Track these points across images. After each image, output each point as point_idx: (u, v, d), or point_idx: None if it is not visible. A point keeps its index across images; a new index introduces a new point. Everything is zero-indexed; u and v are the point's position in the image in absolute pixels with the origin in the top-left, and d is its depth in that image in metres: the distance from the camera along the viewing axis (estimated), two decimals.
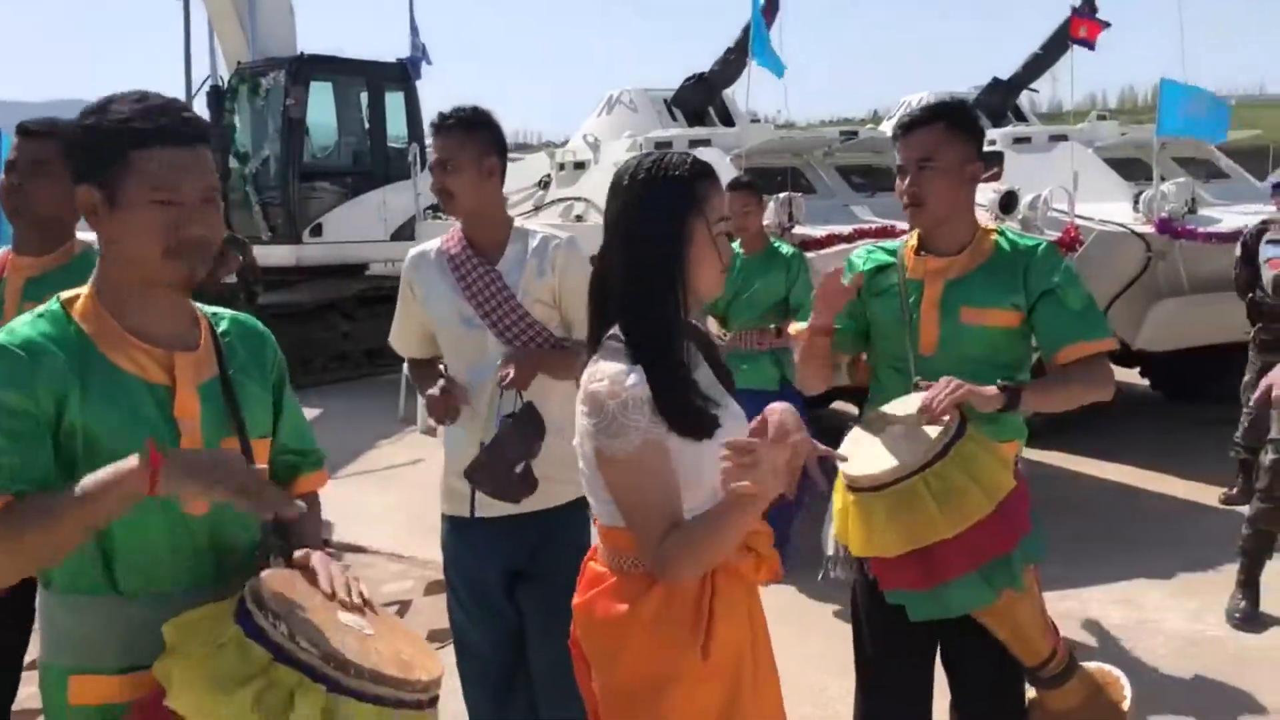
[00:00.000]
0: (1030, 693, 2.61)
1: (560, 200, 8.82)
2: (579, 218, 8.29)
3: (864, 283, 2.73)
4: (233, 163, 12.27)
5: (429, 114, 3.00)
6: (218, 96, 12.60)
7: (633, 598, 1.89)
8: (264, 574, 1.65)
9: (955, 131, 2.59)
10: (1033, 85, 11.11)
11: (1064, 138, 8.36)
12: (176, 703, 1.52)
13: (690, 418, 1.85)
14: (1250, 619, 4.67)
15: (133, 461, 1.53)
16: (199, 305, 1.87)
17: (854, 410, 7.54)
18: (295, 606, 1.60)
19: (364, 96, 12.73)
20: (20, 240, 3.00)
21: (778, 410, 1.76)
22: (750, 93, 9.46)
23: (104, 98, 1.72)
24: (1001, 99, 10.86)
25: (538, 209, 8.92)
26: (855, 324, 2.75)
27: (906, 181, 2.59)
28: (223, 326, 1.88)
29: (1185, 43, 8.00)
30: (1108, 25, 9.59)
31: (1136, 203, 7.02)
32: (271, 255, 11.00)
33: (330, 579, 1.72)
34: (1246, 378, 5.82)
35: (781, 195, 6.50)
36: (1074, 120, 10.28)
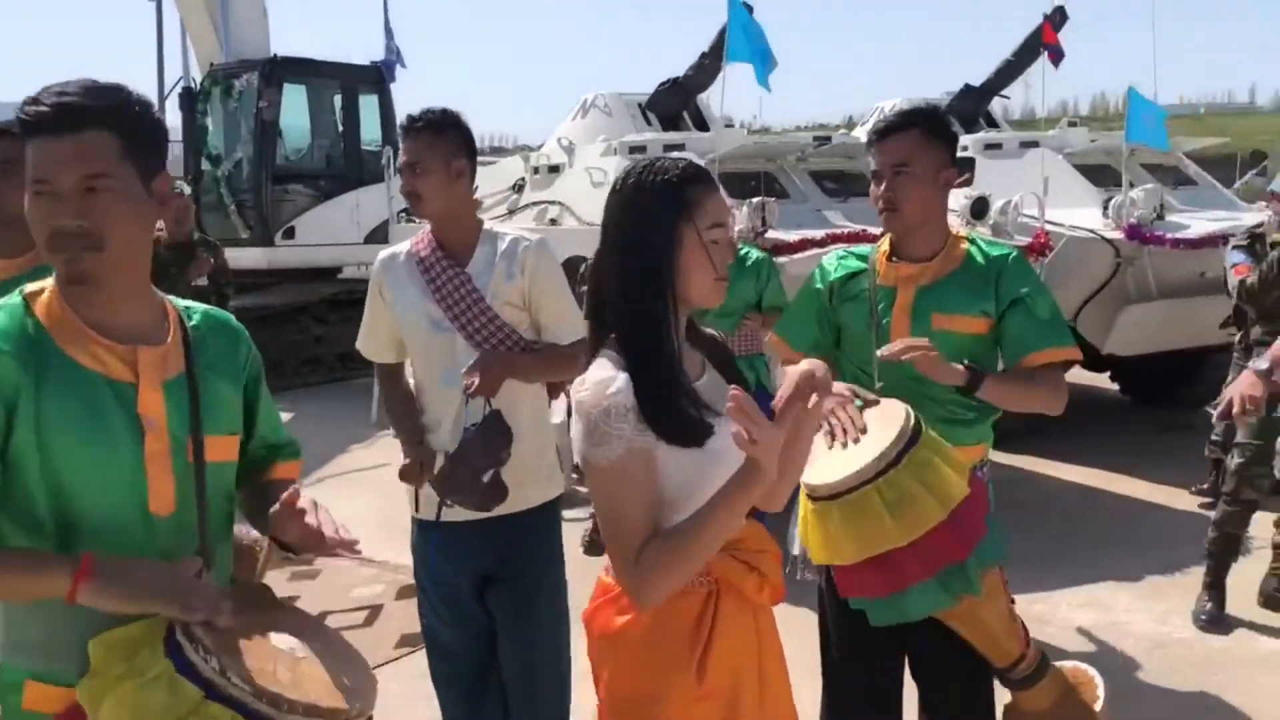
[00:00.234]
0: (1005, 695, 2.63)
1: (534, 204, 8.81)
2: (553, 221, 8.29)
3: (836, 289, 2.75)
4: (205, 165, 12.18)
5: (403, 117, 2.98)
6: (190, 98, 12.50)
7: (632, 611, 1.87)
8: (196, 590, 1.61)
9: (930, 138, 2.60)
10: (1005, 92, 11.19)
11: (1035, 144, 8.44)
12: None
13: (677, 424, 1.80)
14: (1217, 621, 4.72)
15: (62, 565, 1.55)
16: (171, 299, 1.83)
17: None
18: (227, 634, 1.56)
19: (338, 99, 12.64)
20: None
21: (798, 371, 1.73)
22: (725, 97, 9.47)
23: None
24: (974, 105, 10.94)
25: (512, 212, 8.92)
26: (823, 334, 2.78)
27: (882, 187, 2.61)
28: (194, 320, 1.83)
29: (1156, 53, 8.10)
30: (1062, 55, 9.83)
31: (1106, 209, 7.10)
32: (243, 258, 10.91)
33: (317, 521, 1.73)
34: (1231, 378, 5.86)
35: (755, 200, 6.52)
36: (1046, 127, 10.36)
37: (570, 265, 6.41)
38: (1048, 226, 6.61)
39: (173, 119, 12.09)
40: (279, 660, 1.59)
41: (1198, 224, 7.25)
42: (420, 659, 3.26)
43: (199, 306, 1.88)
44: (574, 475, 5.84)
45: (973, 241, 2.70)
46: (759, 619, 1.96)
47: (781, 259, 6.09)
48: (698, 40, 10.26)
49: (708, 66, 9.57)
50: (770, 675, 1.96)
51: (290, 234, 11.90)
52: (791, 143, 8.61)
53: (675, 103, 10.10)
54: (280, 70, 11.96)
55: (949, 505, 2.23)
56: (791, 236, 6.57)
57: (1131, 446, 7.79)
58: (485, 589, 2.92)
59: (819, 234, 6.70)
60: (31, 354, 1.62)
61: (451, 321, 2.82)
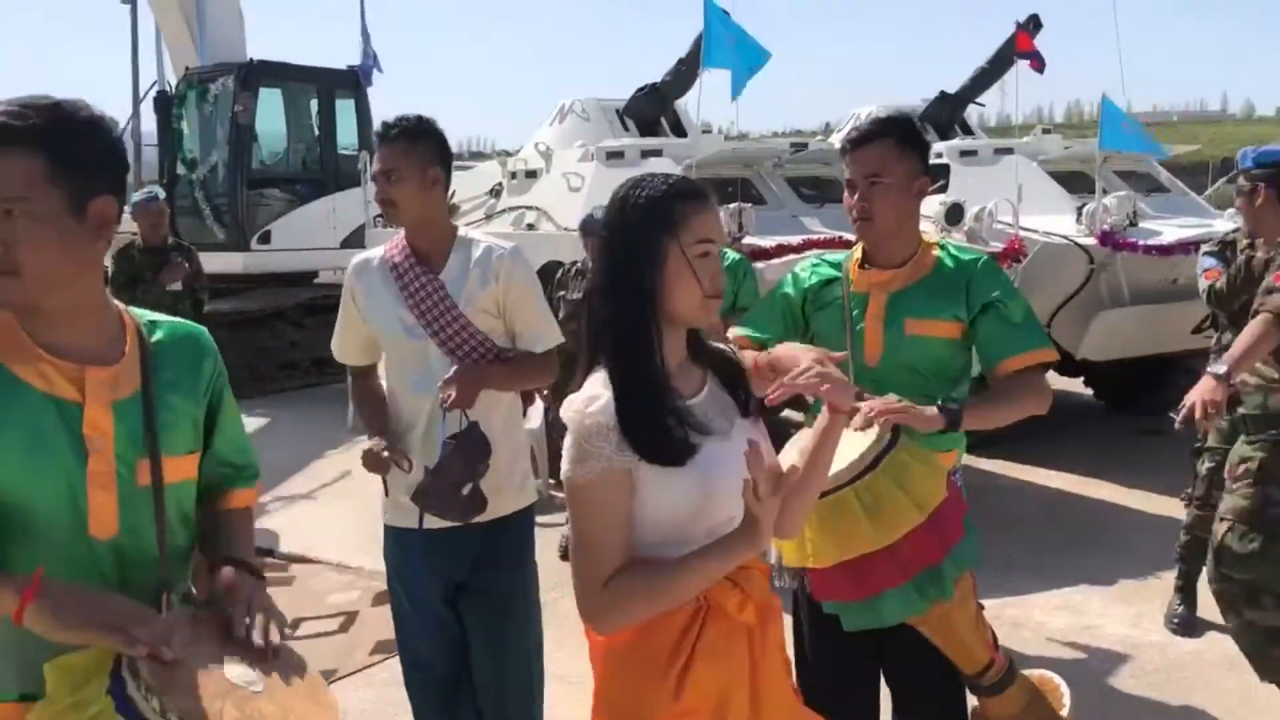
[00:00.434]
0: (972, 701, 2.65)
1: (511, 209, 8.80)
2: (530, 226, 8.29)
3: (810, 297, 2.77)
4: (180, 169, 12.11)
5: (379, 124, 2.97)
6: (165, 102, 12.43)
7: None
8: (142, 620, 1.55)
9: (904, 147, 2.62)
10: (980, 99, 11.26)
11: (1009, 151, 8.49)
12: None
13: (656, 443, 1.76)
14: (1188, 624, 4.76)
15: (12, 582, 1.53)
16: (135, 312, 1.80)
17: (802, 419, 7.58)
18: (177, 668, 1.50)
19: (314, 104, 12.59)
20: None
21: (781, 353, 1.80)
22: (702, 103, 9.48)
23: None
24: (949, 112, 11.00)
25: (489, 217, 8.90)
26: (787, 332, 2.78)
27: (856, 197, 2.62)
28: (157, 336, 1.79)
29: (1129, 62, 8.17)
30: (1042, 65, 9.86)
31: (1079, 215, 7.15)
32: (219, 262, 10.85)
33: (244, 618, 1.64)
34: None
35: (731, 206, 6.54)
36: (1021, 134, 10.43)
37: (547, 270, 6.44)
38: (1022, 233, 6.66)
39: (148, 123, 12.00)
40: (229, 698, 1.52)
41: (1170, 230, 7.31)
42: (395, 666, 3.25)
43: (165, 320, 1.84)
44: (550, 481, 5.85)
45: (943, 248, 2.72)
46: (754, 643, 1.89)
47: (759, 265, 6.11)
48: (676, 46, 10.29)
49: (685, 72, 9.59)
50: (767, 700, 1.90)
51: (266, 239, 11.84)
52: (768, 149, 8.64)
53: (653, 108, 10.11)
54: (256, 74, 11.90)
55: (926, 509, 2.25)
56: (768, 242, 6.59)
57: (1105, 451, 7.85)
58: (458, 597, 2.92)
59: (796, 240, 6.72)
60: None
61: (425, 328, 2.81)
